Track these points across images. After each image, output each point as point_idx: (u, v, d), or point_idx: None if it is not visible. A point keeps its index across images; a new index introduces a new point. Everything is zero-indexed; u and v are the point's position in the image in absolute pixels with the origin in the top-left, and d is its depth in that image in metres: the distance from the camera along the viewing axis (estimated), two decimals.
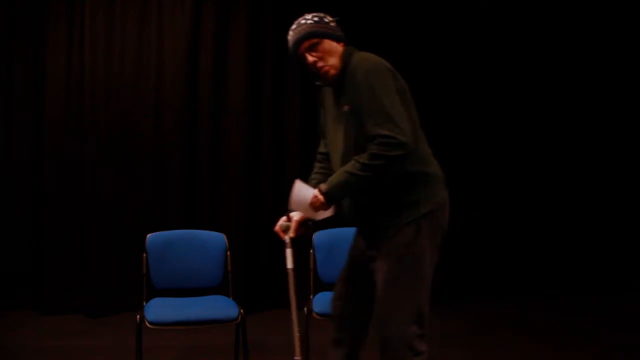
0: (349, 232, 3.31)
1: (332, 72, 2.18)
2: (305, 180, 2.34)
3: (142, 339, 2.77)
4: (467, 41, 4.71)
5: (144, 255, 2.97)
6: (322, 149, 2.44)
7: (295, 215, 2.31)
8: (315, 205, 2.13)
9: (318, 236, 3.23)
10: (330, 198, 2.10)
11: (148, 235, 3.02)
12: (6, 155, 4.32)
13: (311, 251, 3.19)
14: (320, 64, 2.17)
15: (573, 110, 4.89)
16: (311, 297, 3.03)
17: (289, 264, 2.33)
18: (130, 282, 3.81)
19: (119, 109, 4.31)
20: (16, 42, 4.31)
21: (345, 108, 2.14)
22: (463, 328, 4.02)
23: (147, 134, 4.32)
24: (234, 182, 4.40)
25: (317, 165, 2.44)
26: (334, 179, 2.10)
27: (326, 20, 2.27)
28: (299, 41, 2.18)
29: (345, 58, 2.21)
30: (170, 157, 4.33)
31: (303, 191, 2.19)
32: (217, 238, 3.09)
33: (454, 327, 4.03)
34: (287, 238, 2.32)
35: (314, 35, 2.18)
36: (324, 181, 2.19)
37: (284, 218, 2.34)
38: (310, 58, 2.17)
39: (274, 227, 2.35)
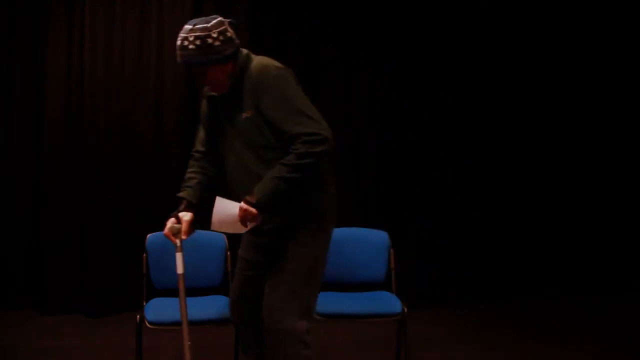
0: (343, 232, 3.33)
1: (220, 90, 2.15)
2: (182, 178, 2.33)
3: (142, 339, 2.77)
4: (467, 41, 4.71)
5: (144, 255, 2.97)
6: (199, 147, 2.35)
7: (185, 216, 2.22)
8: (246, 219, 2.06)
9: None
10: (262, 208, 2.04)
11: (148, 235, 3.03)
12: (6, 155, 4.32)
13: None
14: (207, 82, 2.15)
15: (573, 110, 4.89)
16: None
17: (180, 269, 2.22)
18: (130, 282, 3.80)
19: (119, 109, 4.30)
20: (16, 42, 4.31)
21: (247, 114, 2.10)
22: (463, 328, 4.02)
23: (147, 134, 4.32)
24: None
25: (195, 164, 2.33)
26: (262, 187, 2.03)
27: (209, 40, 2.06)
28: (183, 65, 2.13)
29: (242, 66, 2.15)
30: (170, 157, 4.33)
31: (226, 207, 2.11)
32: (217, 238, 3.09)
33: (454, 327, 4.03)
34: (178, 242, 2.22)
35: (196, 64, 2.09)
36: (205, 182, 2.27)
37: (172, 220, 2.22)
38: (199, 80, 2.16)
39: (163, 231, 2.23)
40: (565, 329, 4.00)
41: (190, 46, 2.05)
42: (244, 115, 2.11)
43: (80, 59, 4.28)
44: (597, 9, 4.83)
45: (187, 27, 2.09)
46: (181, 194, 2.27)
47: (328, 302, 2.94)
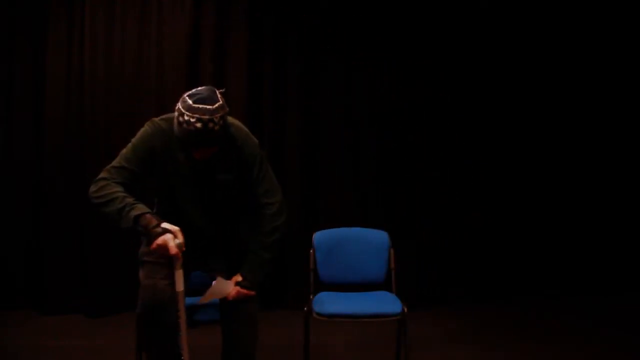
0: (349, 232, 3.33)
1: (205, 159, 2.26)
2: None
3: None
4: (467, 41, 4.71)
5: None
6: (123, 180, 2.22)
7: (173, 226, 2.11)
8: (246, 296, 2.36)
9: (318, 236, 3.24)
10: (258, 288, 2.41)
11: None
12: (6, 155, 4.33)
13: (311, 251, 3.19)
14: (210, 153, 2.22)
15: (573, 110, 4.89)
16: (311, 297, 3.03)
17: (180, 287, 2.13)
18: (130, 282, 3.81)
19: (119, 109, 4.31)
20: (16, 42, 4.31)
21: (226, 176, 2.32)
22: (463, 328, 4.02)
23: None
24: None
25: (124, 191, 2.20)
26: (256, 271, 2.39)
27: (226, 117, 2.19)
28: (205, 144, 2.15)
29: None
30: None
31: (222, 286, 2.34)
32: None
33: (454, 327, 4.03)
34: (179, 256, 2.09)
35: (221, 140, 2.20)
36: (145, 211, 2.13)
37: (170, 236, 2.07)
38: (200, 155, 2.21)
39: (170, 252, 2.07)
40: (565, 329, 4.00)
41: (217, 127, 2.12)
42: (223, 176, 2.32)
43: (80, 59, 4.28)
44: (597, 9, 4.83)
45: (205, 107, 2.10)
46: (140, 211, 2.12)
47: (328, 302, 2.94)
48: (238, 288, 2.36)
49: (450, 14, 4.68)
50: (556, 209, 4.88)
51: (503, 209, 4.80)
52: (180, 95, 4.40)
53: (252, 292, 2.38)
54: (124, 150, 2.29)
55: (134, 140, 2.30)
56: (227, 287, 2.36)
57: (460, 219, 4.72)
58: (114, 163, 2.26)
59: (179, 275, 2.11)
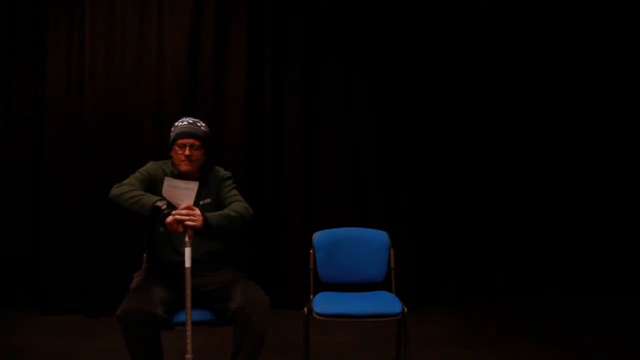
0: (349, 232, 3.34)
1: (190, 169, 2.71)
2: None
3: None
4: (467, 41, 4.71)
5: (145, 255, 2.97)
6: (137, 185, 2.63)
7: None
8: (187, 214, 2.39)
9: (318, 236, 3.24)
10: (205, 220, 2.44)
11: None
12: (7, 156, 4.33)
13: (311, 251, 3.19)
14: (187, 157, 2.68)
15: (573, 110, 4.89)
16: (311, 297, 3.03)
17: (189, 263, 2.41)
18: (130, 282, 3.80)
19: (119, 109, 4.31)
20: (16, 42, 4.31)
21: (206, 201, 2.71)
22: (463, 328, 4.03)
23: (147, 134, 4.32)
24: None
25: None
26: (218, 215, 2.53)
27: (209, 133, 2.82)
28: (189, 135, 2.70)
29: (206, 164, 2.81)
30: (169, 157, 4.32)
31: (181, 187, 2.43)
32: None
33: (454, 327, 4.04)
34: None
35: (203, 139, 2.74)
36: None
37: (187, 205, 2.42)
38: (187, 151, 2.69)
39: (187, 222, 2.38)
40: (565, 329, 4.00)
41: (203, 127, 2.78)
42: (203, 201, 2.69)
43: (80, 59, 4.29)
44: (597, 9, 4.84)
45: (190, 119, 2.79)
46: (157, 197, 2.48)
47: (328, 302, 2.95)
48: (194, 210, 2.44)
49: (451, 14, 4.68)
50: (556, 210, 4.89)
51: (503, 209, 4.81)
52: (180, 94, 4.45)
53: (198, 221, 2.40)
54: (131, 176, 2.70)
55: (139, 169, 2.76)
56: (185, 195, 2.42)
57: (460, 218, 4.73)
58: (125, 181, 2.65)
59: (188, 253, 2.41)
